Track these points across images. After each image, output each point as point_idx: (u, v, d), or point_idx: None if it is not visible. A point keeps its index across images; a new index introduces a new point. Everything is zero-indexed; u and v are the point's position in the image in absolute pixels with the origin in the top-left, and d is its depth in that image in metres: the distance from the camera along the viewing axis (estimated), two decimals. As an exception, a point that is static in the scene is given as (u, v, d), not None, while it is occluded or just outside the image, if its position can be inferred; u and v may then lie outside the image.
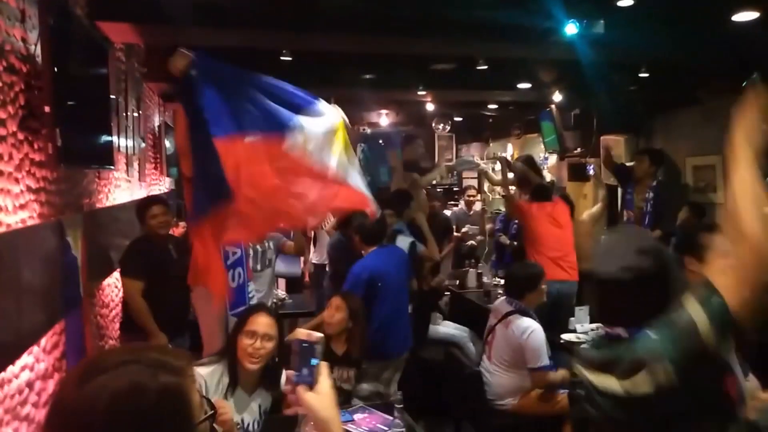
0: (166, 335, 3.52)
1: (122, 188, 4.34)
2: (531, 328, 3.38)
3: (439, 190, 8.97)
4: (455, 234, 6.43)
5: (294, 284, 6.46)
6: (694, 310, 1.36)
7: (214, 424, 1.15)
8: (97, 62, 3.21)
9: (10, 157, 2.17)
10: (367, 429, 2.59)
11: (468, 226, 6.83)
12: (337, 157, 2.90)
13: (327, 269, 6.10)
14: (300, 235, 4.55)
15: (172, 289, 3.46)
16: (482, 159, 9.48)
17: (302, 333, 1.18)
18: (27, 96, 2.32)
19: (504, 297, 3.71)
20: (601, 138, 6.30)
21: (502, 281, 4.68)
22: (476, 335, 4.57)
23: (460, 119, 9.56)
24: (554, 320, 4.09)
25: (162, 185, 6.40)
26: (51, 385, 2.48)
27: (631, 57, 4.59)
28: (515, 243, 5.72)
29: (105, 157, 3.37)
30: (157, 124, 6.20)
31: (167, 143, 6.26)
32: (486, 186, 9.21)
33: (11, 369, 2.08)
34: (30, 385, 2.26)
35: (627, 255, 1.49)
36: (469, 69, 5.01)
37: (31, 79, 2.38)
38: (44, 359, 2.42)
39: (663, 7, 3.76)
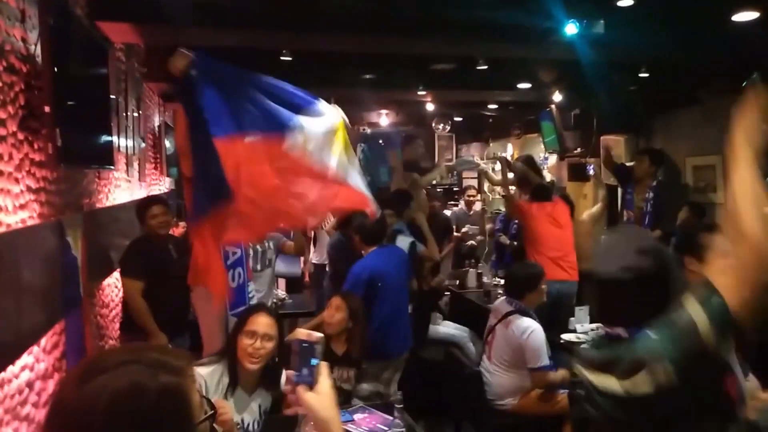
0: (166, 335, 3.52)
1: (122, 188, 4.34)
2: (531, 328, 3.38)
3: (439, 190, 8.97)
4: (455, 234, 6.43)
5: (294, 284, 6.46)
6: (694, 310, 1.36)
7: (214, 424, 1.15)
8: (97, 62, 3.21)
9: (10, 157, 2.17)
10: (367, 429, 2.59)
11: (468, 226, 6.83)
12: (337, 157, 2.90)
13: (327, 269, 6.12)
14: (300, 235, 4.55)
15: (172, 289, 3.46)
16: (482, 159, 9.48)
17: (302, 333, 1.18)
18: (27, 96, 2.32)
19: (504, 297, 3.71)
20: (601, 138, 6.30)
21: (502, 281, 4.68)
22: (476, 335, 4.57)
23: (460, 119, 9.56)
24: (554, 320, 4.09)
25: (162, 185, 6.40)
26: (51, 385, 2.48)
27: (631, 57, 4.59)
28: (515, 243, 5.72)
29: (105, 157, 3.37)
30: (157, 124, 6.20)
31: (167, 143, 6.26)
32: (486, 186, 9.21)
33: (11, 369, 2.08)
34: (30, 385, 2.26)
35: (627, 255, 1.49)
36: (469, 69, 5.01)
37: (31, 79, 2.38)
38: (44, 359, 2.42)
39: (663, 7, 3.76)
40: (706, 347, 1.34)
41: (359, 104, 7.92)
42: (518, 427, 3.47)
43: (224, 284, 2.77)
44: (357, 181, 3.04)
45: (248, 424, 2.47)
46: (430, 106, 7.96)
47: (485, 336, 3.69)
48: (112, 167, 3.66)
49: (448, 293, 5.54)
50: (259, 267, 4.06)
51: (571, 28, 3.67)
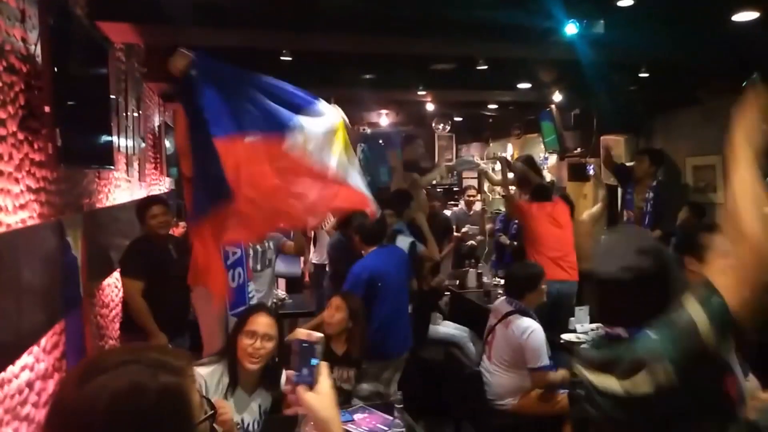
0: (166, 335, 3.52)
1: (122, 188, 4.34)
2: (531, 328, 3.38)
3: (439, 190, 8.97)
4: (455, 234, 6.43)
5: (294, 284, 6.46)
6: (694, 310, 1.36)
7: (214, 424, 1.15)
8: (97, 62, 3.21)
9: (10, 157, 2.17)
10: (367, 429, 2.59)
11: (468, 226, 6.83)
12: (337, 157, 2.89)
13: (327, 269, 6.12)
14: (300, 235, 4.55)
15: (172, 289, 3.46)
16: (482, 159, 9.48)
17: (302, 333, 1.18)
18: (27, 96, 2.32)
19: (504, 297, 3.71)
20: (601, 138, 6.30)
21: (502, 281, 4.68)
22: (476, 335, 4.57)
23: (460, 119, 9.56)
24: (554, 320, 4.09)
25: (162, 185, 6.40)
26: (51, 385, 2.48)
27: (631, 57, 4.59)
28: (515, 243, 5.72)
29: (105, 157, 3.37)
30: (157, 124, 6.20)
31: (167, 143, 6.26)
32: (486, 186, 9.21)
33: (11, 369, 2.08)
34: (30, 385, 2.26)
35: (627, 255, 1.49)
36: (469, 69, 5.01)
37: (31, 79, 2.38)
38: (44, 359, 2.42)
39: (663, 7, 3.76)
40: (706, 347, 1.34)
41: (359, 104, 7.91)
42: (518, 427, 3.47)
43: (224, 284, 2.77)
44: (357, 181, 3.03)
45: (248, 424, 2.47)
46: (430, 106, 7.96)
47: (485, 336, 3.69)
48: (112, 167, 3.66)
49: (448, 293, 5.54)
50: (259, 267, 4.06)
51: (571, 28, 3.67)
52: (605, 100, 5.82)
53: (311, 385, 1.14)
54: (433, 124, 9.51)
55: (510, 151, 9.38)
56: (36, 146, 2.43)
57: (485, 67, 4.85)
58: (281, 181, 2.68)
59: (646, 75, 4.95)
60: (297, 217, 2.92)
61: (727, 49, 4.02)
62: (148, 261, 3.56)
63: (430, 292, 4.70)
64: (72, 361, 2.71)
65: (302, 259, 6.57)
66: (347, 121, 3.06)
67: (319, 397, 1.13)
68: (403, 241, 4.23)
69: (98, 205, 3.60)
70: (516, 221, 5.72)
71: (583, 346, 3.52)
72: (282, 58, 4.39)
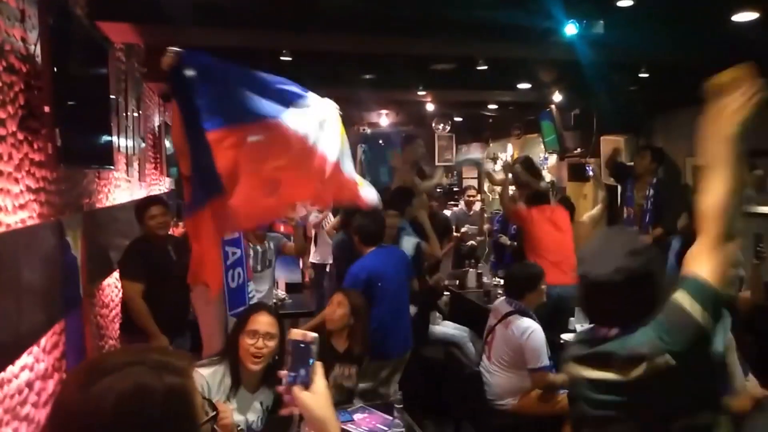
0: (167, 336, 3.51)
1: (122, 188, 4.34)
2: (531, 328, 3.38)
3: (438, 190, 8.98)
4: (455, 234, 6.43)
5: (294, 284, 6.47)
6: (682, 299, 1.42)
7: (215, 425, 1.14)
8: (97, 62, 3.21)
9: (10, 157, 2.17)
10: (366, 429, 2.59)
11: (467, 226, 6.83)
12: (335, 145, 2.89)
13: (327, 269, 6.13)
14: (300, 236, 4.55)
15: (172, 289, 3.44)
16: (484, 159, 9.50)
17: (297, 333, 1.18)
18: (27, 96, 2.32)
19: (504, 297, 3.71)
20: (608, 139, 6.31)
21: (502, 281, 4.67)
22: (476, 335, 4.57)
23: (460, 119, 9.57)
24: (554, 322, 4.09)
25: (162, 185, 6.40)
26: (51, 385, 2.48)
27: (631, 57, 4.59)
28: (515, 243, 5.72)
29: (105, 157, 3.37)
30: (157, 124, 6.20)
31: (167, 143, 6.27)
32: (486, 186, 9.21)
33: (11, 369, 2.08)
34: (30, 385, 2.26)
35: (618, 256, 1.50)
36: (469, 69, 5.01)
37: (31, 79, 2.38)
38: (44, 359, 2.42)
39: (663, 7, 3.76)
40: (702, 329, 1.39)
41: (359, 104, 7.92)
42: (518, 427, 3.47)
43: (219, 276, 2.75)
44: (351, 170, 3.06)
45: (252, 422, 2.47)
46: (430, 106, 7.96)
47: (485, 336, 3.69)
48: (112, 167, 3.66)
49: (448, 293, 5.54)
50: (259, 267, 4.06)
51: (570, 29, 3.67)
52: (605, 100, 5.83)
53: (307, 385, 1.14)
54: (433, 124, 9.52)
55: (510, 151, 9.38)
56: (36, 146, 2.43)
57: (485, 67, 4.85)
58: (280, 166, 2.65)
59: (646, 75, 4.96)
60: (304, 196, 2.92)
61: (727, 49, 4.02)
62: (147, 262, 3.55)
63: (428, 291, 4.70)
64: (72, 361, 2.71)
65: (301, 261, 6.59)
66: (340, 111, 3.06)
67: (315, 396, 1.14)
68: (408, 241, 4.23)
69: (98, 205, 3.60)
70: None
71: (570, 342, 3.52)
72: (282, 58, 4.39)
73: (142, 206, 3.76)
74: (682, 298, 1.42)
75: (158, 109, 6.31)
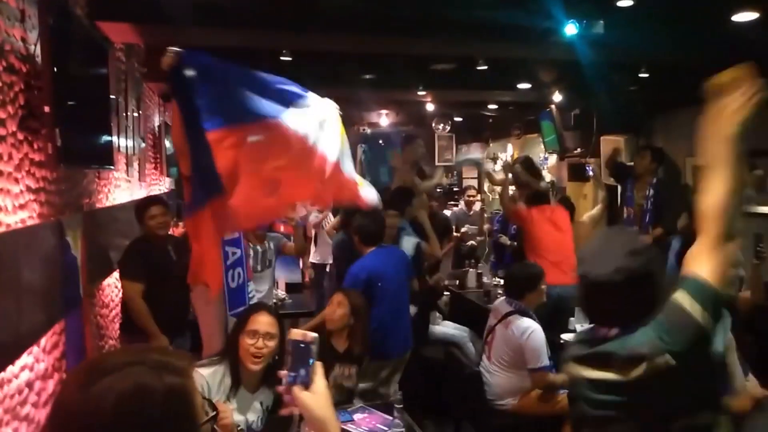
0: (167, 336, 3.51)
1: (122, 188, 4.34)
2: (531, 328, 3.38)
3: (438, 190, 8.99)
4: (455, 234, 6.43)
5: (294, 284, 6.47)
6: (682, 299, 1.42)
7: (215, 425, 1.14)
8: (97, 62, 3.21)
9: (10, 157, 2.17)
10: (366, 429, 2.59)
11: (467, 226, 6.83)
12: (335, 146, 2.89)
13: (327, 269, 6.13)
14: (300, 236, 4.55)
15: (172, 289, 3.44)
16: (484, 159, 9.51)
17: (297, 333, 1.18)
18: (27, 96, 2.32)
19: (504, 297, 3.71)
20: (608, 139, 6.30)
21: (502, 281, 4.67)
22: (476, 335, 4.57)
23: (460, 119, 9.57)
24: (554, 322, 4.09)
25: (162, 185, 6.40)
26: (51, 385, 2.48)
27: (631, 57, 4.59)
28: (515, 243, 5.72)
29: (105, 157, 3.37)
30: (157, 124, 6.20)
31: (167, 143, 6.27)
32: (486, 186, 9.21)
33: (11, 369, 2.08)
34: (30, 385, 2.26)
35: (618, 257, 1.50)
36: (469, 69, 5.01)
37: (31, 79, 2.38)
38: (44, 359, 2.42)
39: (663, 7, 3.76)
40: (702, 328, 1.39)
41: (359, 104, 7.92)
42: (518, 427, 3.47)
43: (219, 276, 2.75)
44: (351, 170, 3.06)
45: (252, 422, 2.47)
46: (430, 106, 7.96)
47: (485, 336, 3.69)
48: (112, 167, 3.66)
49: (448, 293, 5.54)
50: (259, 267, 4.06)
51: (570, 29, 3.67)
52: (605, 100, 5.83)
53: (307, 385, 1.14)
54: (433, 124, 9.52)
55: (510, 151, 9.38)
56: (36, 146, 2.43)
57: (485, 67, 4.85)
58: (281, 165, 2.65)
59: (646, 75, 4.95)
60: (300, 199, 2.92)
61: (727, 49, 4.02)
62: (147, 262, 3.55)
63: (428, 291, 4.70)
64: (72, 361, 2.71)
65: (301, 261, 6.59)
66: (340, 111, 3.06)
67: (315, 396, 1.14)
68: (408, 241, 4.23)
69: (98, 205, 3.60)
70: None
71: (570, 342, 3.52)
72: (282, 58, 4.39)
73: (142, 206, 3.76)
74: (682, 298, 1.42)
75: (158, 109, 6.31)
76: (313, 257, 6.37)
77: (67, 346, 2.70)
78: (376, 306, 3.54)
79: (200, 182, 2.55)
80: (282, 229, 5.77)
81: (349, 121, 3.12)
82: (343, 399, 3.05)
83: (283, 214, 4.01)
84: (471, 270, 5.70)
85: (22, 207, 2.26)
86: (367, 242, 3.79)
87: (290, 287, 6.23)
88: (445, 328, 4.84)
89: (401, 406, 2.69)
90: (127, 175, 4.51)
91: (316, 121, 2.79)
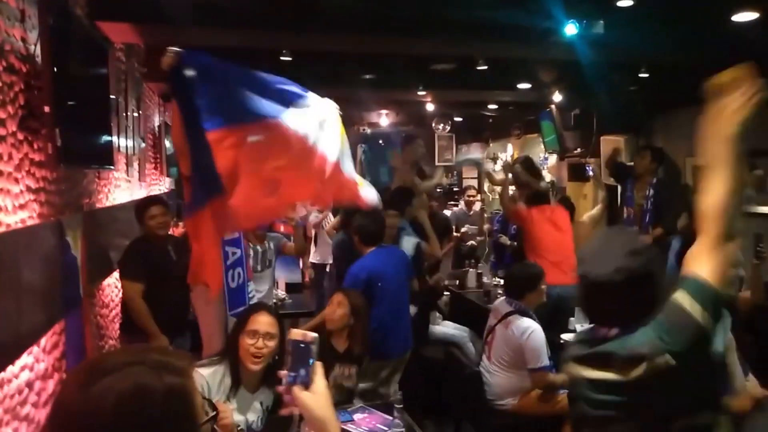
0: (167, 336, 3.51)
1: (122, 188, 4.34)
2: (531, 328, 3.38)
3: (438, 190, 8.99)
4: (455, 234, 6.43)
5: (294, 284, 6.48)
6: (682, 299, 1.42)
7: (215, 425, 1.14)
8: (97, 62, 3.21)
9: (10, 157, 2.17)
10: (366, 429, 2.59)
11: (467, 226, 6.83)
12: (335, 146, 2.89)
13: (327, 269, 6.13)
14: (300, 236, 4.55)
15: (172, 289, 3.44)
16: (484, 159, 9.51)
17: (297, 333, 1.18)
18: (27, 96, 2.32)
19: (504, 297, 3.71)
20: (608, 139, 6.30)
21: (502, 281, 4.67)
22: (476, 335, 4.57)
23: (460, 119, 9.57)
24: (554, 322, 4.09)
25: (162, 185, 6.40)
26: (51, 385, 2.48)
27: (631, 57, 4.59)
28: (515, 243, 5.72)
29: (105, 157, 3.37)
30: (157, 124, 6.20)
31: (167, 143, 6.27)
32: (486, 186, 9.21)
33: (11, 369, 2.08)
34: (30, 385, 2.26)
35: (618, 257, 1.50)
36: (469, 69, 5.01)
37: (31, 79, 2.38)
38: (44, 359, 2.42)
39: (663, 7, 3.76)
40: (702, 328, 1.39)
41: (359, 104, 7.92)
42: (518, 427, 3.47)
43: (219, 276, 2.75)
44: (351, 170, 3.06)
45: (252, 422, 2.47)
46: (430, 106, 7.96)
47: (485, 336, 3.69)
48: (112, 167, 3.66)
49: (448, 293, 5.54)
50: (259, 267, 4.06)
51: (570, 29, 3.67)
52: (605, 100, 5.83)
53: (307, 385, 1.14)
54: (433, 124, 9.52)
55: (510, 151, 9.38)
56: (36, 146, 2.43)
57: (485, 67, 4.85)
58: (280, 165, 2.65)
59: (646, 75, 4.95)
60: (300, 199, 2.92)
61: (727, 49, 4.02)
62: (147, 262, 3.55)
63: (428, 291, 4.70)
64: (72, 361, 2.71)
65: (301, 261, 6.58)
66: (340, 111, 3.06)
67: (315, 396, 1.14)
68: (408, 241, 4.23)
69: (98, 205, 3.60)
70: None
71: (570, 342, 3.53)
72: (282, 58, 4.39)
73: (142, 206, 3.76)
74: (682, 298, 1.42)
75: (158, 109, 6.31)
76: (313, 257, 6.37)
77: (67, 346, 2.70)
78: (376, 306, 3.54)
79: (200, 182, 2.55)
80: (282, 229, 5.78)
81: (349, 121, 3.12)
82: (343, 399, 3.05)
83: (283, 214, 4.01)
84: (471, 270, 5.70)
85: (22, 207, 2.26)
86: (367, 242, 3.79)
87: (290, 287, 6.23)
88: (445, 328, 4.84)
89: (401, 406, 2.69)
90: (127, 175, 4.51)
91: (316, 121, 2.79)
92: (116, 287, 4.00)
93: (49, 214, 2.56)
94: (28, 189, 2.34)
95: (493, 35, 3.85)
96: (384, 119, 9.44)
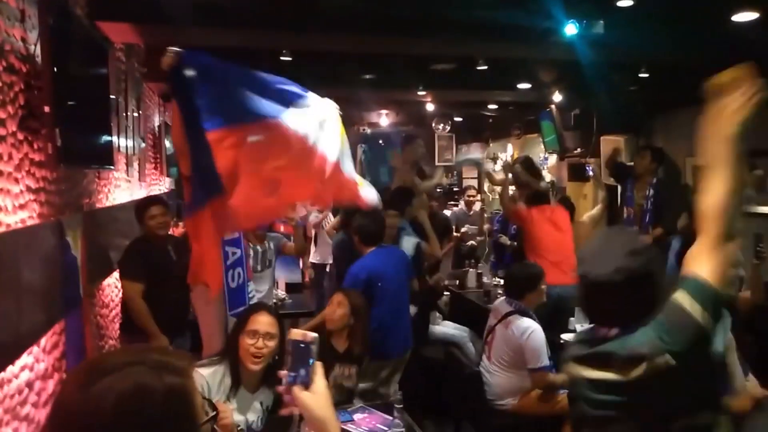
0: (167, 336, 3.51)
1: (122, 188, 4.34)
2: (531, 328, 3.38)
3: (438, 190, 8.99)
4: (455, 234, 6.43)
5: (294, 284, 6.48)
6: (682, 299, 1.42)
7: (215, 425, 1.14)
8: (97, 62, 3.21)
9: (10, 157, 2.17)
10: (366, 429, 2.59)
11: (467, 226, 6.83)
12: (335, 146, 2.89)
13: (327, 269, 6.13)
14: (300, 236, 4.55)
15: (172, 289, 3.44)
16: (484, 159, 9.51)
17: (297, 333, 1.18)
18: (27, 96, 2.32)
19: (504, 297, 3.71)
20: (608, 139, 6.30)
21: (502, 281, 4.67)
22: (476, 335, 4.57)
23: (460, 119, 9.57)
24: (554, 322, 4.09)
25: (162, 185, 6.40)
26: (51, 385, 2.48)
27: (631, 57, 4.59)
28: (515, 243, 5.72)
29: (105, 157, 3.37)
30: (157, 124, 6.20)
31: (167, 143, 6.27)
32: (486, 186, 9.21)
33: (11, 369, 2.08)
34: (30, 385, 2.26)
35: (618, 257, 1.50)
36: (469, 69, 5.02)
37: (31, 79, 2.38)
38: (44, 359, 2.42)
39: (663, 7, 3.76)
40: (702, 328, 1.39)
41: (359, 104, 7.92)
42: (518, 427, 3.47)
43: (219, 276, 2.75)
44: (351, 170, 3.06)
45: (252, 422, 2.47)
46: (430, 106, 7.97)
47: (485, 336, 3.69)
48: (112, 167, 3.66)
49: (448, 293, 5.54)
50: (259, 267, 4.06)
51: (570, 29, 3.67)
52: (605, 100, 5.83)
53: (307, 385, 1.14)
54: (433, 124, 9.52)
55: (510, 151, 9.38)
56: (36, 146, 2.43)
57: (485, 67, 4.85)
58: (280, 165, 2.65)
59: (646, 75, 4.95)
60: (300, 199, 2.92)
61: (727, 49, 4.02)
62: (148, 262, 3.55)
63: (428, 291, 4.70)
64: (72, 361, 2.71)
65: (301, 261, 6.58)
66: (340, 111, 3.06)
67: (315, 396, 1.14)
68: (408, 241, 4.23)
69: (98, 205, 3.60)
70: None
71: (570, 342, 3.53)
72: (282, 58, 4.39)
73: (142, 206, 3.76)
74: (682, 298, 1.42)
75: (158, 109, 6.31)
76: (313, 257, 6.37)
77: (67, 346, 2.70)
78: (376, 306, 3.54)
79: (200, 182, 2.55)
80: (282, 229, 5.78)
81: (349, 121, 3.12)
82: (343, 399, 3.05)
83: (283, 214, 4.01)
84: (471, 270, 5.70)
85: (22, 207, 2.26)
86: (367, 242, 3.79)
87: (290, 287, 6.23)
88: (445, 328, 4.84)
89: (401, 406, 2.69)
90: (127, 175, 4.51)
91: (316, 121, 2.79)
92: (116, 287, 4.00)
93: (49, 214, 2.56)
94: (28, 189, 2.34)
95: (493, 35, 3.85)
96: (384, 119, 9.44)
